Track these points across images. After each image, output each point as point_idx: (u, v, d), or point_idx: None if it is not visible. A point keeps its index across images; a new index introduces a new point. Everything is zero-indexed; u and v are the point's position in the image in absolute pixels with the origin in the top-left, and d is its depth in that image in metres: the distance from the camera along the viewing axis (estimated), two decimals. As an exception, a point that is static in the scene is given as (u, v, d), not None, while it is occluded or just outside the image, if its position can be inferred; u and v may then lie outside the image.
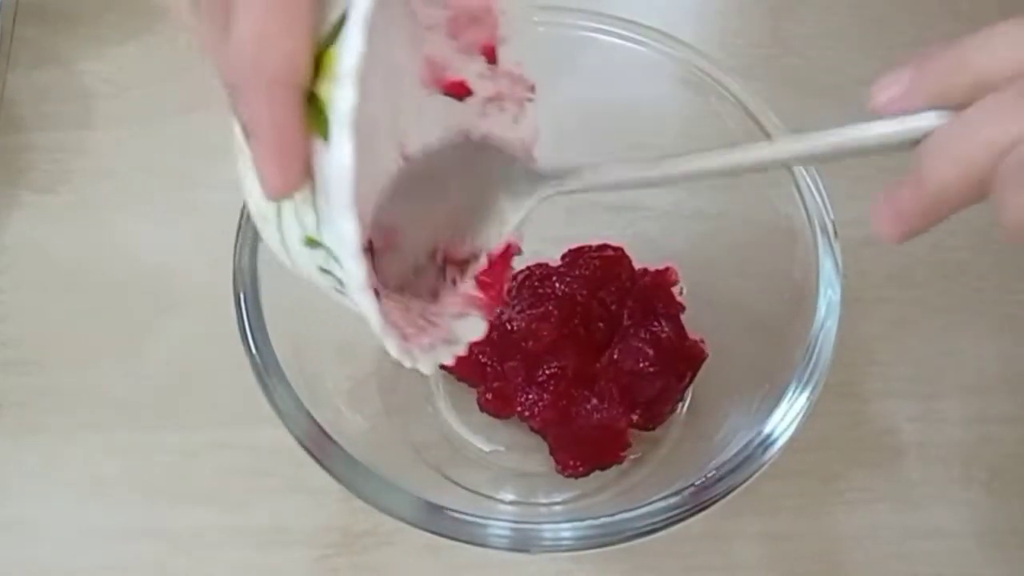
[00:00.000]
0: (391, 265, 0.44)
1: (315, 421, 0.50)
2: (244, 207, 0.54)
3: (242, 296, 0.52)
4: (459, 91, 0.48)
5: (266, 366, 0.51)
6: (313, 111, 0.36)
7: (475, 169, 0.47)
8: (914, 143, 0.38)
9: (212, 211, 0.68)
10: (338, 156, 0.35)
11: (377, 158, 0.45)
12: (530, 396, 0.61)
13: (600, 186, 0.44)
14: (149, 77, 0.76)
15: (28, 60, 0.77)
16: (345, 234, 0.36)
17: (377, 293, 0.41)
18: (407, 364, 0.42)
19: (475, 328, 0.47)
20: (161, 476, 0.63)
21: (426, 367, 0.43)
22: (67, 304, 0.68)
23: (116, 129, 0.74)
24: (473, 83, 0.48)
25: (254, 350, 0.51)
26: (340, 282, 0.39)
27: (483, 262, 0.47)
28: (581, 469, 0.60)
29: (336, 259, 0.38)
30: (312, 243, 0.39)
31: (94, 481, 0.63)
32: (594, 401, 0.60)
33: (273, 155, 0.36)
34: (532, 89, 0.48)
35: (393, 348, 0.40)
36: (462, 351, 0.45)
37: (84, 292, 0.68)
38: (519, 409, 0.61)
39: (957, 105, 0.37)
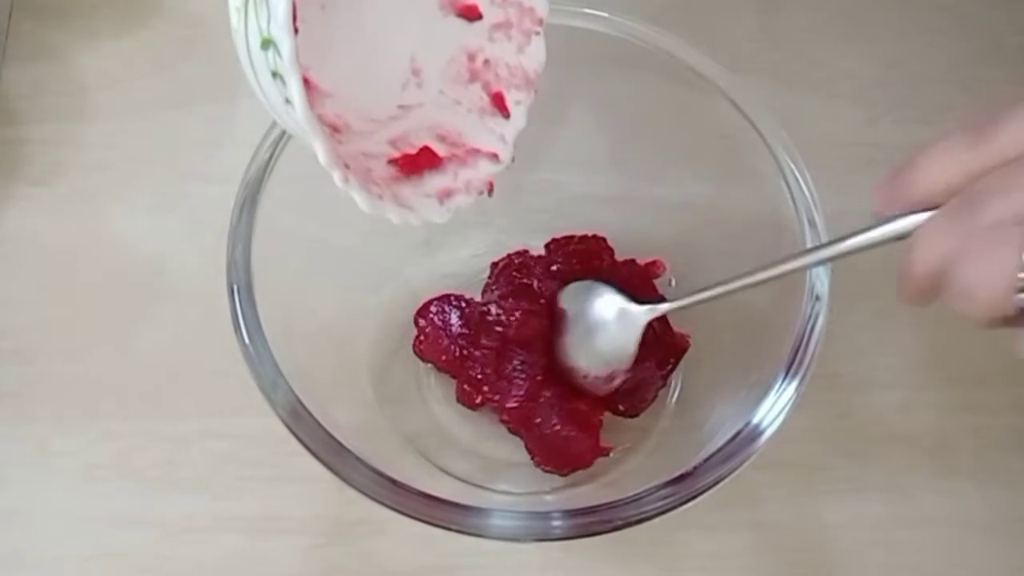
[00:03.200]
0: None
1: (307, 411, 0.50)
2: (237, 200, 0.55)
3: (235, 287, 0.53)
4: (470, 13, 0.52)
5: (258, 356, 0.51)
6: None
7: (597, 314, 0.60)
8: (903, 237, 0.46)
9: (206, 203, 0.68)
10: None
11: (384, 55, 0.50)
12: (498, 392, 0.62)
13: (677, 307, 0.58)
14: (143, 71, 0.77)
15: (24, 54, 0.77)
16: (276, 6, 0.40)
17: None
18: (339, 184, 0.44)
19: (433, 209, 0.50)
20: (153, 464, 0.63)
21: (361, 201, 0.45)
22: (61, 295, 0.68)
23: (111, 122, 0.74)
24: (484, 8, 0.52)
25: (247, 340, 0.52)
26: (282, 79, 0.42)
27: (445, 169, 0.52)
28: (556, 471, 0.61)
29: (276, 49, 0.41)
30: (266, 44, 0.42)
31: (86, 469, 0.63)
32: (554, 420, 0.61)
33: None
34: (540, 23, 0.52)
35: (321, 154, 0.43)
36: (412, 220, 0.48)
37: (78, 283, 0.69)
38: (485, 401, 0.62)
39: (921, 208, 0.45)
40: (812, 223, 0.55)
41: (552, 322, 0.62)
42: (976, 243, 0.42)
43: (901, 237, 0.46)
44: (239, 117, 0.74)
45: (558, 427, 0.60)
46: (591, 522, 0.49)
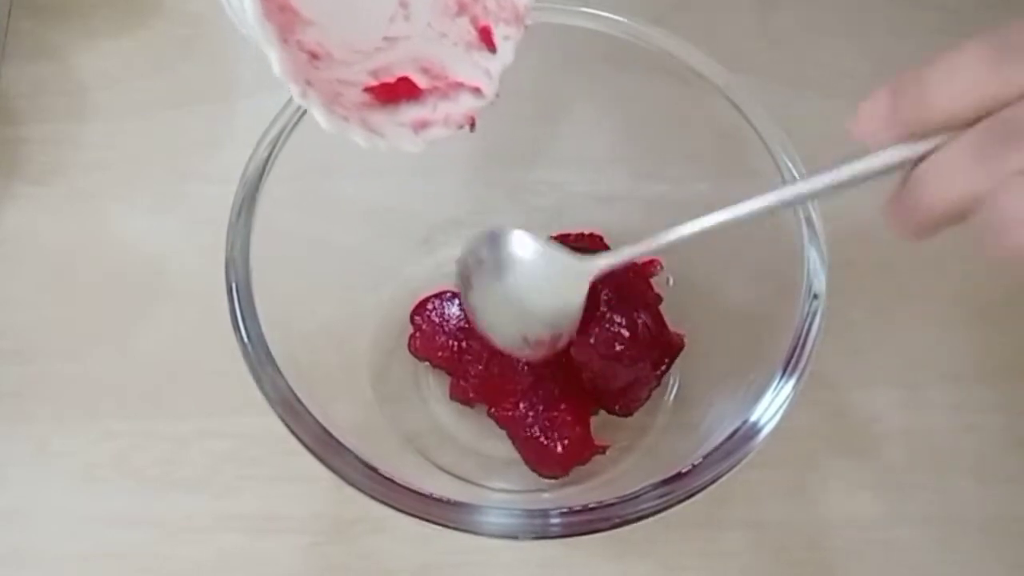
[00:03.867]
0: None
1: (306, 410, 0.51)
2: (235, 198, 0.55)
3: (234, 286, 0.53)
4: None
5: (257, 355, 0.51)
6: None
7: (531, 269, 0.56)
8: (902, 167, 0.42)
9: (205, 202, 0.69)
10: None
11: None
12: (490, 391, 0.62)
13: (625, 260, 0.53)
14: (143, 70, 0.77)
15: (23, 53, 0.77)
16: None
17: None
18: (297, 98, 0.44)
19: (406, 137, 0.50)
20: (153, 464, 0.63)
21: (321, 117, 0.45)
22: (60, 294, 0.69)
23: (110, 121, 0.75)
24: None
25: (246, 339, 0.52)
26: None
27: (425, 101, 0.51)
28: (549, 473, 0.61)
29: None
30: None
31: (86, 469, 0.63)
32: (536, 430, 0.60)
33: None
34: None
35: (276, 64, 0.43)
36: (380, 144, 0.48)
37: (77, 282, 0.69)
38: (478, 400, 0.62)
39: (933, 133, 0.40)
40: (809, 221, 0.55)
41: (460, 285, 0.58)
42: (1014, 190, 0.38)
43: (892, 169, 0.42)
44: (238, 117, 0.74)
45: (540, 436, 0.60)
46: (589, 520, 0.49)
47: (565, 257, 0.55)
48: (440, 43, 0.52)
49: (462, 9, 0.52)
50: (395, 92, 0.50)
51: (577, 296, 0.55)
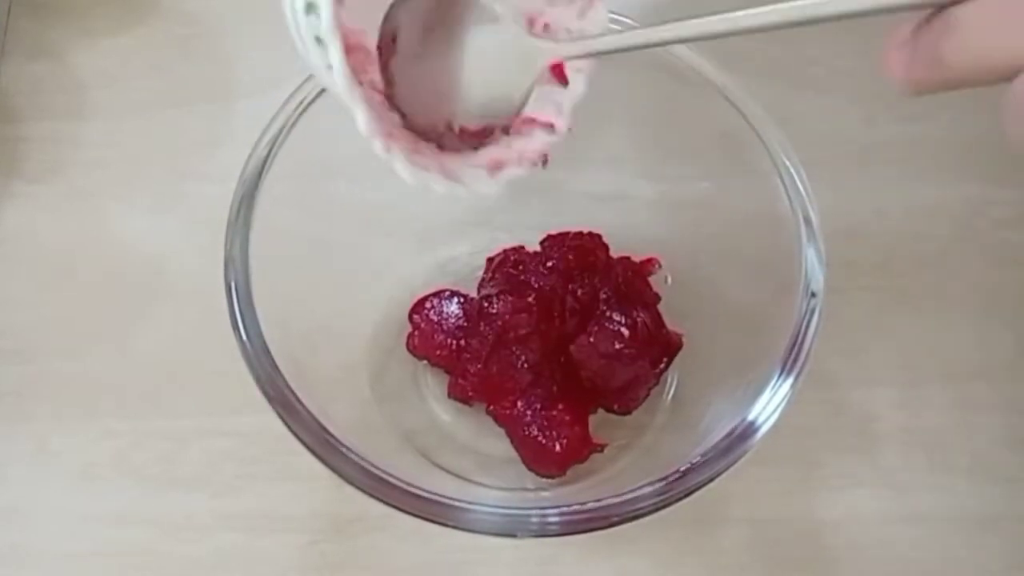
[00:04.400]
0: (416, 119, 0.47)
1: (305, 409, 0.51)
2: (234, 197, 0.55)
3: (233, 285, 0.53)
4: None
5: (256, 354, 0.51)
6: None
7: (473, 36, 0.48)
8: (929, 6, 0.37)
9: (204, 201, 0.69)
10: None
11: None
12: (488, 390, 0.62)
13: (597, 51, 0.47)
14: (142, 69, 0.77)
15: (22, 52, 0.77)
16: None
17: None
18: (380, 153, 0.44)
19: (482, 180, 0.48)
20: (152, 462, 0.63)
21: (403, 171, 0.44)
22: (59, 293, 0.69)
23: (109, 120, 0.75)
24: None
25: (244, 338, 0.52)
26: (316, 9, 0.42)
27: (498, 139, 0.49)
28: (546, 472, 0.61)
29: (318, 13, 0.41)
30: (309, 7, 0.42)
31: (85, 468, 0.63)
32: (534, 429, 0.60)
33: None
34: None
35: (361, 123, 0.42)
36: (459, 191, 0.47)
37: (76, 281, 0.69)
38: (476, 398, 0.62)
39: None
40: (808, 220, 0.55)
41: (381, 45, 0.48)
42: None
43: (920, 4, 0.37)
44: (238, 116, 0.74)
45: (538, 436, 0.60)
46: (587, 518, 0.49)
47: (520, 33, 0.49)
48: None
49: None
50: (475, 137, 0.49)
51: (523, 81, 0.49)
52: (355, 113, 0.42)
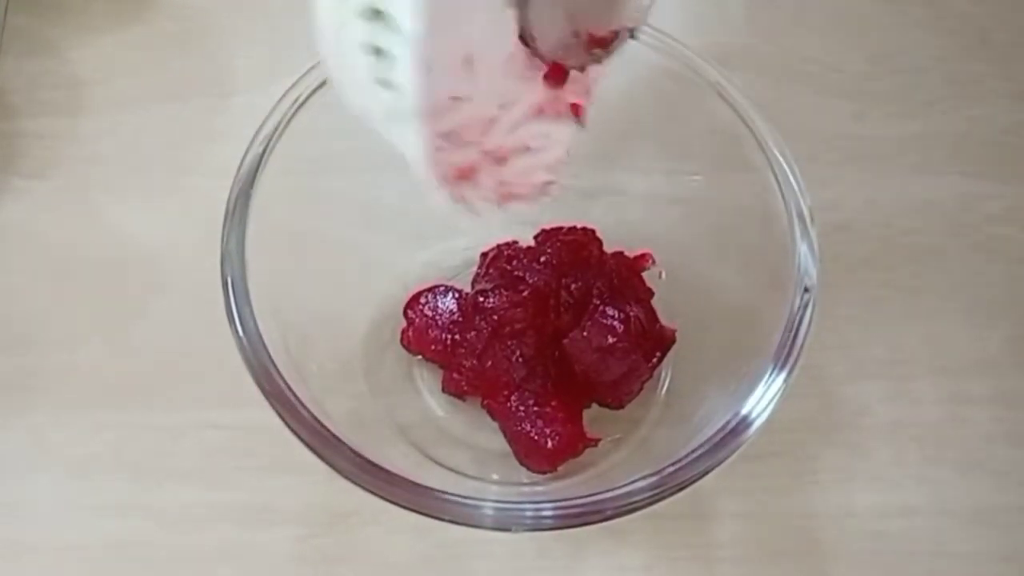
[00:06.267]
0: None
1: (300, 402, 0.51)
2: (231, 192, 0.55)
3: (229, 280, 0.53)
4: None
5: (252, 348, 0.52)
6: None
7: None
8: None
9: (200, 196, 0.69)
10: None
11: None
12: (482, 384, 0.62)
13: None
14: (138, 64, 0.77)
15: (19, 48, 0.77)
16: None
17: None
18: (426, 180, 0.44)
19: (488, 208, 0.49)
20: (148, 455, 0.63)
21: (441, 198, 0.45)
22: (56, 287, 0.69)
23: (106, 116, 0.75)
24: None
25: (240, 332, 0.52)
26: (387, 56, 0.40)
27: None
28: (538, 468, 0.61)
29: (393, 26, 0.39)
30: (373, 14, 0.39)
31: (82, 460, 0.63)
32: (527, 425, 0.61)
33: None
34: None
35: (423, 138, 0.42)
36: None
37: (73, 275, 0.69)
38: (470, 392, 0.63)
39: None
40: (801, 216, 0.55)
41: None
42: None
43: None
44: (234, 111, 0.74)
45: (530, 431, 0.60)
46: (582, 512, 0.49)
47: None
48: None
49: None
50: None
51: None
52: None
